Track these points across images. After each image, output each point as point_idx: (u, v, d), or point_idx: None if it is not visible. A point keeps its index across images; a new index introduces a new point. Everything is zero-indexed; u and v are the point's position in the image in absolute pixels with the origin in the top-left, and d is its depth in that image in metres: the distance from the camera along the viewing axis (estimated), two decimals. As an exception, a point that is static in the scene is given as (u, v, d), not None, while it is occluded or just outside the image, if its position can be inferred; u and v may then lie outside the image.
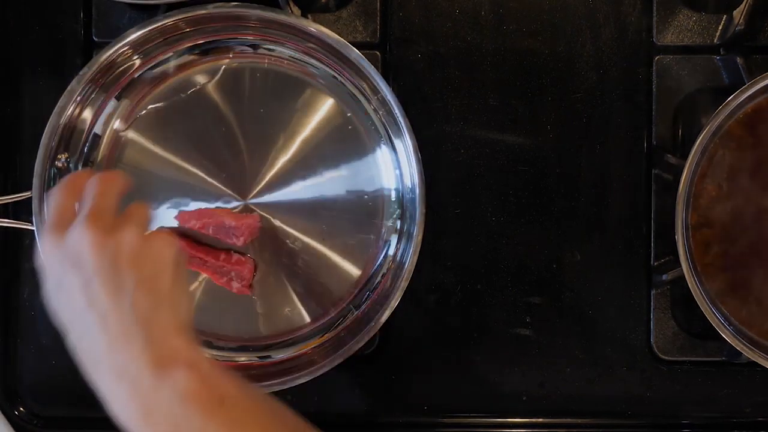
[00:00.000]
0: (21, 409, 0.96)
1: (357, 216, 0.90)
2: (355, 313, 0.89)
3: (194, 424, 0.60)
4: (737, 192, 0.87)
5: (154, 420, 0.61)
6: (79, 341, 0.64)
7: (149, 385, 0.61)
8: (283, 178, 0.90)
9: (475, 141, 0.93)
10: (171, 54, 0.90)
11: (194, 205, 0.90)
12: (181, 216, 0.89)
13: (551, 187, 0.93)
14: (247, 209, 0.90)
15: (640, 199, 0.93)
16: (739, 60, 0.88)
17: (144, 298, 0.63)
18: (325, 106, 0.90)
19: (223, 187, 0.90)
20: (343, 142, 0.90)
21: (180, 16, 0.84)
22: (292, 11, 0.89)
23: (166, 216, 0.90)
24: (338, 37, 0.85)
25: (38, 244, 0.72)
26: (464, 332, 0.94)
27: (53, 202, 0.68)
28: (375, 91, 0.87)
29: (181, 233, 0.90)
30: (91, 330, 0.63)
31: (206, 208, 0.89)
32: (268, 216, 0.90)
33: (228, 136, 0.90)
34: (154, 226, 0.90)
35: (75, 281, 0.63)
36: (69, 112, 0.85)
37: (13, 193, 0.87)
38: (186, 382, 0.61)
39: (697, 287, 0.84)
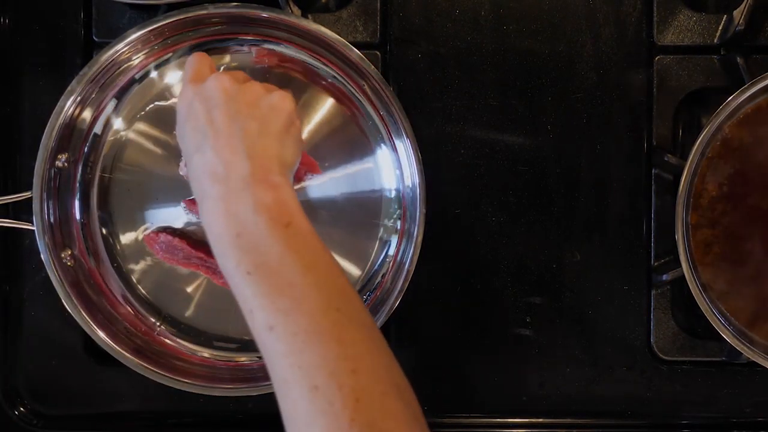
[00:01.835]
0: (21, 409, 0.96)
1: (357, 216, 0.90)
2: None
3: (254, 232, 0.68)
4: (737, 192, 0.87)
5: (227, 221, 0.69)
6: (192, 155, 0.73)
7: (235, 189, 0.69)
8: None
9: (475, 141, 0.93)
10: (171, 54, 0.90)
11: (194, 205, 0.90)
12: (188, 203, 0.89)
13: (551, 187, 0.93)
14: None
15: (640, 199, 0.93)
16: (739, 60, 0.88)
17: (254, 126, 0.72)
18: (325, 106, 0.90)
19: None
20: (343, 142, 0.90)
21: (180, 16, 0.84)
22: (292, 11, 0.89)
23: (166, 216, 0.90)
24: (338, 37, 0.85)
25: (181, 90, 0.77)
26: (464, 332, 0.94)
27: (191, 62, 0.78)
28: (375, 91, 0.87)
29: (181, 234, 0.90)
30: (205, 141, 0.72)
31: None
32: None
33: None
34: (154, 226, 0.90)
35: (201, 108, 0.73)
36: (69, 112, 0.85)
37: (13, 193, 0.87)
38: (265, 197, 0.69)
39: (697, 287, 0.84)
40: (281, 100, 0.75)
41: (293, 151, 0.75)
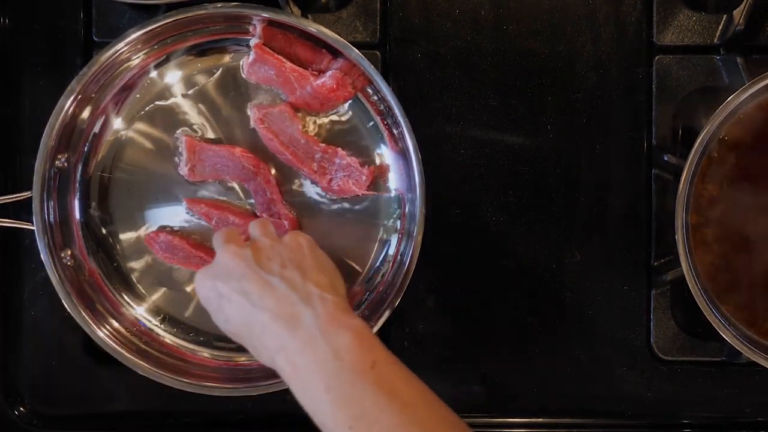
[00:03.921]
0: (21, 409, 0.96)
1: (357, 216, 0.90)
2: (356, 313, 0.89)
3: (343, 382, 0.65)
4: (737, 192, 0.87)
5: (309, 375, 0.66)
6: (253, 342, 0.71)
7: (309, 338, 0.67)
8: (284, 178, 0.90)
9: (475, 141, 0.93)
10: (171, 54, 0.90)
11: (194, 205, 0.90)
12: (189, 201, 0.89)
13: (551, 187, 0.93)
14: (248, 209, 0.90)
15: (640, 199, 0.93)
16: (739, 60, 0.88)
17: (292, 273, 0.71)
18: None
19: (223, 186, 0.90)
20: (344, 142, 0.90)
21: (180, 16, 0.84)
22: (292, 11, 0.89)
23: (166, 216, 0.90)
24: (338, 37, 0.85)
25: (195, 284, 0.77)
26: (464, 332, 0.94)
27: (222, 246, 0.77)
28: (375, 91, 0.87)
29: (181, 234, 0.90)
30: (253, 314, 0.70)
31: (216, 199, 0.90)
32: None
33: (228, 137, 0.90)
34: (154, 226, 0.90)
35: (229, 289, 0.71)
36: (69, 112, 0.85)
37: (13, 193, 0.87)
38: (343, 342, 0.66)
39: (697, 287, 0.84)
40: (294, 237, 0.75)
41: (336, 274, 0.75)
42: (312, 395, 0.66)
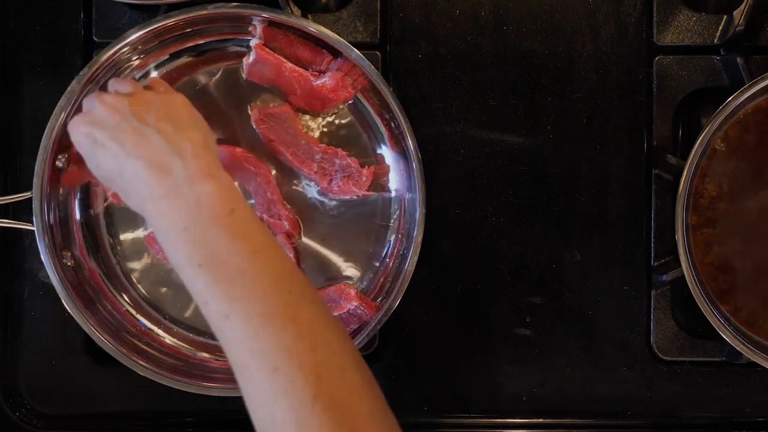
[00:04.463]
0: (21, 409, 0.96)
1: (357, 216, 0.90)
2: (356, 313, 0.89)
3: (200, 225, 0.69)
4: (737, 192, 0.87)
5: (172, 218, 0.70)
6: (118, 178, 0.74)
7: (176, 185, 0.70)
8: (284, 179, 0.90)
9: (475, 141, 0.93)
10: (171, 54, 0.90)
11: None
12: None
13: (551, 187, 0.93)
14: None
15: (640, 199, 0.93)
16: (739, 60, 0.88)
17: (166, 125, 0.73)
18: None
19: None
20: (344, 143, 0.90)
21: (180, 17, 0.84)
22: (292, 11, 0.89)
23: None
24: (338, 37, 0.85)
25: (68, 128, 0.78)
26: (464, 332, 0.94)
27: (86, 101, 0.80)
28: (375, 91, 0.87)
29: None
30: (126, 161, 0.72)
31: None
32: (268, 216, 0.90)
33: (228, 137, 0.90)
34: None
35: (104, 136, 0.74)
36: (69, 112, 0.85)
37: (13, 193, 0.87)
38: (205, 187, 0.70)
39: (697, 287, 0.84)
40: (167, 91, 0.78)
41: (209, 132, 0.77)
42: (171, 236, 0.70)
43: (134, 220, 0.91)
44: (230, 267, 0.68)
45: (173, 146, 0.72)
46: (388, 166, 0.89)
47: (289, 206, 0.89)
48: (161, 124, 0.73)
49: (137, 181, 0.72)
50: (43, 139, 0.85)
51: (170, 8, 0.85)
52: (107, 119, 0.74)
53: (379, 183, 0.90)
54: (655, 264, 0.93)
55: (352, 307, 0.87)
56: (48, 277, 0.86)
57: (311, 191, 0.90)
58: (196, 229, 0.69)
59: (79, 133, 0.76)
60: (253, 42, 0.87)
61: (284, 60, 0.87)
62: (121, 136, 0.73)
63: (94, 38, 0.94)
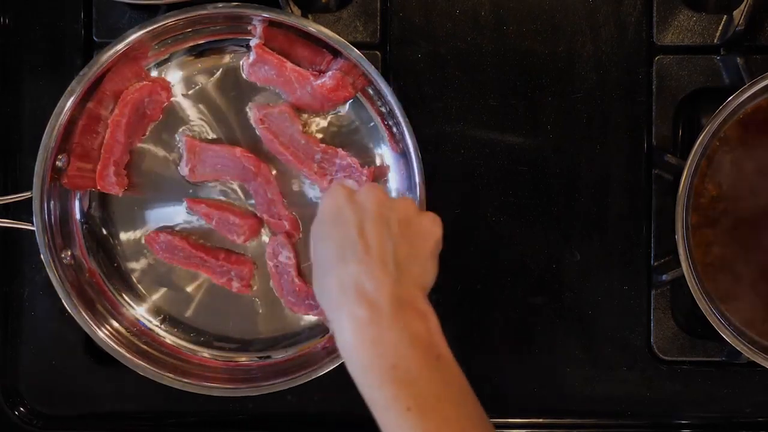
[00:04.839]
0: (21, 409, 0.96)
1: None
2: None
3: (411, 365, 0.67)
4: (737, 192, 0.87)
5: (379, 350, 0.67)
6: (334, 266, 0.71)
7: (388, 316, 0.68)
8: (284, 179, 0.90)
9: (475, 141, 0.93)
10: (171, 54, 0.90)
11: (195, 205, 0.90)
12: (190, 201, 0.89)
13: (551, 187, 0.93)
14: (248, 209, 0.90)
15: (640, 199, 0.93)
16: (739, 60, 0.88)
17: (404, 248, 0.72)
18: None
19: (223, 186, 0.90)
20: (344, 143, 0.90)
21: (180, 17, 0.84)
22: (292, 11, 0.89)
23: (166, 216, 0.90)
24: (338, 37, 0.85)
25: (331, 190, 0.76)
26: (464, 332, 0.94)
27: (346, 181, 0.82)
28: (375, 91, 0.87)
29: (181, 234, 0.90)
30: (352, 254, 0.70)
31: (216, 199, 0.90)
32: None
33: (228, 137, 0.90)
34: (154, 226, 0.90)
35: (353, 217, 0.72)
36: (69, 112, 0.85)
37: (13, 193, 0.87)
38: (418, 327, 0.68)
39: (697, 287, 0.84)
40: (432, 223, 0.75)
41: (433, 275, 0.75)
42: (375, 369, 0.67)
43: (134, 220, 0.91)
44: (438, 416, 0.67)
45: (398, 272, 0.70)
46: (388, 166, 0.89)
47: (288, 206, 0.89)
48: (401, 242, 0.72)
49: (350, 287, 0.69)
50: (43, 139, 0.84)
51: (170, 8, 0.85)
52: (368, 207, 0.73)
53: (379, 183, 0.89)
54: (655, 264, 0.93)
55: None
56: (48, 277, 0.86)
57: (311, 191, 0.90)
58: (407, 370, 0.67)
59: (336, 198, 0.74)
60: (253, 42, 0.87)
61: (284, 60, 0.87)
62: (368, 227, 0.71)
63: (94, 38, 0.94)
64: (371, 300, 0.68)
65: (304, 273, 0.90)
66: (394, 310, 0.68)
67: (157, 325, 0.91)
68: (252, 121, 0.89)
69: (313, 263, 0.75)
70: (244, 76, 0.89)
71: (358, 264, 0.69)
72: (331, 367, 0.84)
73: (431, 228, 0.75)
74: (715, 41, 0.92)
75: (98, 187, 0.88)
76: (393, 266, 0.70)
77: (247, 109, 0.89)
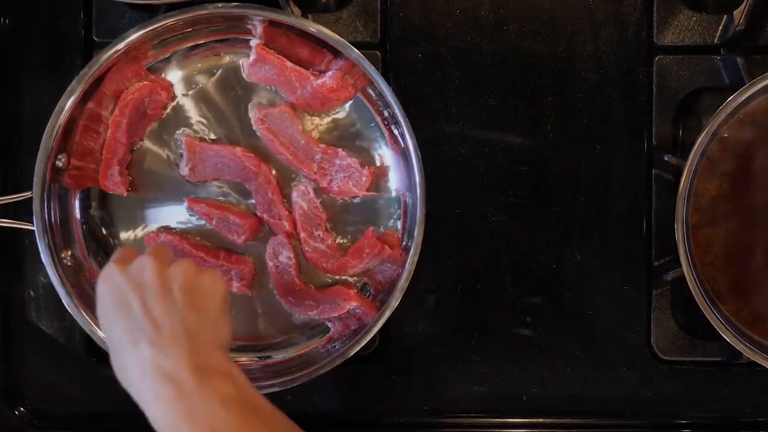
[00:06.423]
0: (21, 408, 0.96)
1: (358, 216, 0.90)
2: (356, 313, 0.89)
3: (230, 426, 0.67)
4: (737, 192, 0.87)
5: (195, 420, 0.67)
6: (128, 351, 0.70)
7: (192, 387, 0.68)
8: (284, 179, 0.90)
9: (475, 141, 0.93)
10: (171, 54, 0.90)
11: (195, 205, 0.90)
12: (190, 201, 0.89)
13: (551, 187, 0.93)
14: (248, 209, 0.90)
15: (640, 199, 0.93)
16: (739, 60, 0.88)
17: (192, 316, 0.71)
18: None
19: (223, 186, 0.90)
20: (344, 143, 0.90)
21: (180, 16, 0.84)
22: (292, 11, 0.89)
23: (166, 216, 0.90)
24: (338, 37, 0.85)
25: (104, 272, 0.74)
26: (464, 332, 0.94)
27: (119, 251, 0.77)
28: (375, 91, 0.87)
29: (181, 234, 0.90)
30: (143, 337, 0.69)
31: (216, 200, 0.90)
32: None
33: (228, 137, 0.90)
34: (154, 226, 0.90)
35: (135, 298, 0.71)
36: (69, 112, 0.85)
37: (13, 193, 0.87)
38: (226, 388, 0.69)
39: (697, 287, 0.84)
40: (213, 282, 0.74)
41: (228, 331, 0.75)
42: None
43: (134, 219, 0.91)
44: None
45: (192, 342, 0.70)
46: (388, 166, 0.89)
47: (289, 206, 0.89)
48: (189, 312, 0.71)
49: (150, 372, 0.68)
50: (43, 139, 0.85)
51: (170, 8, 0.85)
52: (148, 283, 0.71)
53: (379, 183, 0.90)
54: (655, 264, 0.93)
55: (351, 307, 0.87)
56: (48, 277, 0.86)
57: (311, 191, 0.90)
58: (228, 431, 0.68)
59: (111, 280, 0.73)
60: (254, 42, 0.87)
61: (284, 60, 0.87)
62: (151, 304, 0.70)
63: (94, 38, 0.94)
64: (173, 377, 0.68)
65: (304, 273, 0.90)
66: (198, 380, 0.68)
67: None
68: (252, 121, 0.89)
69: (107, 344, 0.73)
70: (244, 76, 0.89)
71: (151, 346, 0.69)
72: (331, 367, 0.84)
73: (214, 287, 0.74)
74: (715, 41, 0.92)
75: (102, 188, 0.88)
76: (185, 338, 0.69)
77: (248, 110, 0.89)
